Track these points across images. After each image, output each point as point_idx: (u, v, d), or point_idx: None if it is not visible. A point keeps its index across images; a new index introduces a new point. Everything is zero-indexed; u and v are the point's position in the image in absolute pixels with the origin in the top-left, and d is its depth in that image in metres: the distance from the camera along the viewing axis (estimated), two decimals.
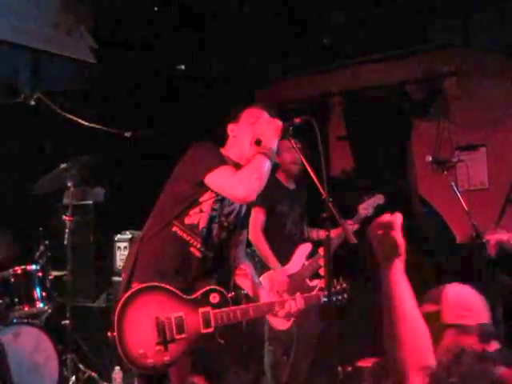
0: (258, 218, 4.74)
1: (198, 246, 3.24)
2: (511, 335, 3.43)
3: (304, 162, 3.18)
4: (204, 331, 3.11)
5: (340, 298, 3.50)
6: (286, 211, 4.89)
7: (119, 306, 3.03)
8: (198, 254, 3.25)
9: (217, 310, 3.15)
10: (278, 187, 4.94)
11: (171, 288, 3.09)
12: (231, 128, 3.38)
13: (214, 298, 3.17)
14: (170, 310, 3.07)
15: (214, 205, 3.23)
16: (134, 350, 2.99)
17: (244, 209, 3.45)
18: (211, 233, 3.28)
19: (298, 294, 3.42)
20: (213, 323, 3.13)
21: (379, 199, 4.98)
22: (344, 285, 3.53)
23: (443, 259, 6.17)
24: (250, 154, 3.24)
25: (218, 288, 3.21)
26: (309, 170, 3.16)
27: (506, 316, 4.56)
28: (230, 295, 3.26)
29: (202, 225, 3.23)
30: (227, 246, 3.43)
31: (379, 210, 4.98)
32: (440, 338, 2.22)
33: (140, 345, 3.00)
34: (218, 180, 3.14)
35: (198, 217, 3.21)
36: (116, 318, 3.02)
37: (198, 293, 3.17)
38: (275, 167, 5.03)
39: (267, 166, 3.12)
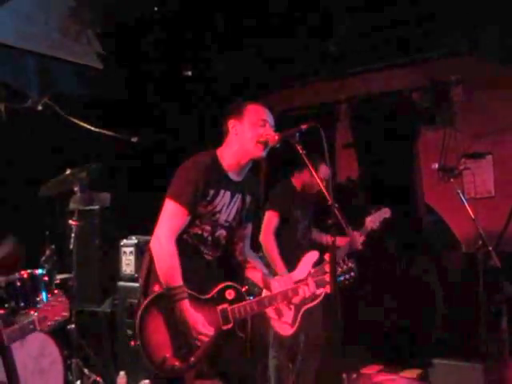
0: (271, 221, 4.75)
1: (207, 251, 3.31)
2: None
3: (310, 168, 3.18)
4: (224, 327, 3.18)
5: (348, 277, 3.47)
6: (299, 217, 4.90)
7: (139, 314, 3.09)
8: (209, 258, 3.33)
9: (234, 306, 3.22)
10: (292, 192, 4.96)
11: (187, 290, 3.12)
12: (232, 124, 3.33)
13: (230, 295, 3.25)
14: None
15: (213, 217, 3.27)
16: (158, 354, 3.05)
17: (247, 203, 3.45)
18: (217, 238, 3.33)
19: (309, 278, 3.45)
20: (231, 319, 3.20)
21: (386, 213, 5.00)
22: (350, 264, 3.50)
23: (448, 267, 6.16)
24: (254, 154, 3.26)
25: (231, 284, 3.27)
26: (315, 176, 3.17)
27: (510, 324, 4.56)
28: (243, 289, 3.32)
29: (206, 234, 3.29)
30: (232, 242, 3.48)
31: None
32: None
33: (164, 349, 3.06)
34: (163, 209, 3.20)
35: (200, 228, 3.27)
36: (137, 326, 3.08)
37: (214, 291, 3.24)
38: (291, 171, 5.06)
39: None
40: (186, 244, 3.24)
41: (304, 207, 4.97)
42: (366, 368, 5.77)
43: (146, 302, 3.12)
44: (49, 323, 3.20)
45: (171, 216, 3.17)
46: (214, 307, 3.20)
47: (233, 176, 3.33)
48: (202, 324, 3.07)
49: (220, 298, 3.23)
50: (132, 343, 3.17)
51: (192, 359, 3.10)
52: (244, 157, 3.29)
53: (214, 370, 3.32)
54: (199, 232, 3.26)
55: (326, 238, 5.15)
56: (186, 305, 3.06)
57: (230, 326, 3.19)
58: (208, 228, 3.28)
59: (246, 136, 3.26)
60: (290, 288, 3.39)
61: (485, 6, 5.49)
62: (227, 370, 3.34)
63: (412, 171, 6.63)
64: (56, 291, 3.44)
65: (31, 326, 3.12)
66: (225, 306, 3.21)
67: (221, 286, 3.26)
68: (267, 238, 4.70)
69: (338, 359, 3.26)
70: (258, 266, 3.55)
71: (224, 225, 3.33)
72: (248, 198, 3.45)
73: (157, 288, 3.15)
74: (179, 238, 3.21)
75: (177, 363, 3.06)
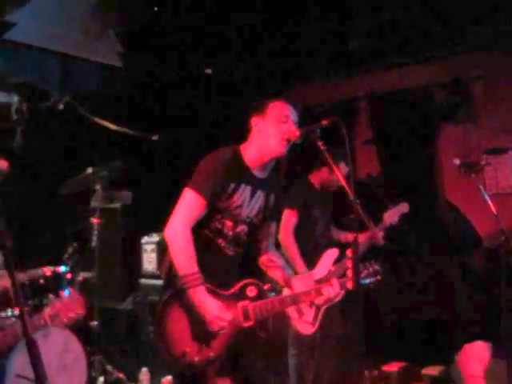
0: (290, 220, 4.74)
1: (228, 246, 3.31)
2: None
3: (331, 164, 3.18)
4: (244, 324, 3.17)
5: (373, 280, 3.44)
6: (318, 215, 4.89)
7: (159, 308, 3.12)
8: (230, 253, 3.32)
9: (255, 303, 3.20)
10: (310, 190, 4.96)
11: (208, 286, 3.12)
12: (256, 121, 3.33)
13: (251, 292, 3.23)
14: None
15: (234, 211, 3.27)
16: (178, 349, 3.06)
17: (271, 202, 3.44)
18: (238, 233, 3.33)
19: (333, 278, 3.40)
20: (252, 316, 3.18)
21: (404, 208, 4.98)
22: (376, 266, 3.46)
23: (471, 263, 6.13)
24: (276, 150, 3.26)
25: (254, 281, 3.26)
26: (336, 172, 3.17)
27: None
28: (266, 287, 3.30)
29: (227, 229, 3.29)
30: (256, 239, 3.48)
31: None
32: None
33: (184, 344, 3.07)
34: (181, 197, 3.20)
35: (221, 223, 3.27)
36: (157, 320, 3.11)
37: (236, 287, 3.23)
38: (310, 169, 5.06)
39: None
40: (207, 239, 3.25)
41: (323, 205, 4.96)
42: (387, 365, 5.74)
43: (166, 296, 3.13)
44: (64, 320, 3.21)
45: (188, 205, 3.17)
46: (234, 304, 3.19)
47: (256, 173, 3.32)
48: (218, 308, 3.05)
49: (241, 294, 3.23)
50: (152, 339, 3.18)
51: (211, 354, 3.09)
52: (266, 154, 3.29)
53: (235, 368, 3.32)
54: (219, 227, 3.26)
55: (345, 236, 5.14)
56: (201, 290, 3.05)
57: (250, 323, 3.18)
58: (229, 223, 3.27)
59: (269, 132, 3.26)
60: (313, 288, 3.37)
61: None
62: (247, 369, 3.35)
63: (433, 167, 6.59)
64: (70, 289, 3.47)
65: (42, 322, 3.14)
66: (246, 302, 3.20)
67: (243, 282, 3.25)
68: (286, 236, 4.70)
69: (360, 357, 3.25)
70: (282, 264, 3.55)
71: (245, 220, 3.33)
72: (272, 197, 3.44)
73: (179, 282, 3.16)
74: (200, 233, 3.22)
75: (196, 358, 3.06)
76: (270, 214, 3.47)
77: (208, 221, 3.24)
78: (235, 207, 3.26)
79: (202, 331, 3.09)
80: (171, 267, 3.23)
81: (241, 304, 3.19)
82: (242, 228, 3.33)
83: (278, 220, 3.97)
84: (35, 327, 3.14)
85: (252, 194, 3.32)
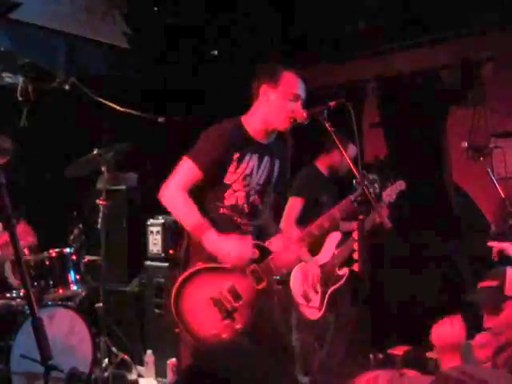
0: (293, 208, 4.73)
1: (245, 221, 3.29)
2: None
3: (339, 145, 3.15)
4: (259, 287, 3.16)
5: (372, 190, 3.28)
6: (325, 201, 4.88)
7: (172, 302, 3.10)
8: (248, 229, 3.31)
9: (262, 263, 3.18)
10: (318, 177, 4.94)
11: (212, 264, 3.12)
12: (265, 90, 3.29)
13: (254, 254, 3.18)
14: (220, 284, 3.12)
15: (244, 181, 3.25)
16: (203, 332, 3.06)
17: (276, 168, 3.42)
18: (252, 204, 3.31)
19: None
20: (264, 277, 3.16)
21: (401, 185, 4.95)
22: (370, 177, 3.32)
23: (478, 247, 6.09)
24: (279, 126, 3.26)
25: (253, 243, 3.21)
26: (344, 154, 3.15)
27: None
28: (267, 244, 3.28)
29: (241, 201, 3.28)
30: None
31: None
32: (499, 309, 2.77)
33: (209, 327, 3.06)
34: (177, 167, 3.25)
35: (234, 197, 3.26)
36: (175, 315, 3.10)
37: None
38: (317, 154, 5.03)
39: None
40: (225, 219, 3.23)
41: (330, 192, 4.94)
42: (392, 349, 5.73)
43: (174, 292, 3.11)
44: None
45: (183, 171, 3.21)
46: (243, 272, 3.15)
47: (260, 140, 3.32)
48: (236, 241, 3.06)
49: None
50: (176, 330, 3.14)
51: (238, 326, 3.08)
52: (270, 125, 3.29)
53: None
54: (234, 202, 3.25)
55: (348, 226, 5.12)
56: (214, 234, 3.06)
57: (264, 284, 3.16)
58: (242, 194, 3.26)
59: (277, 106, 3.24)
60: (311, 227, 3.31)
61: None
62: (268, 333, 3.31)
63: (441, 150, 6.54)
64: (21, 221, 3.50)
65: None
66: (253, 266, 3.17)
67: None
68: (288, 224, 4.68)
69: (365, 340, 3.24)
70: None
71: (256, 188, 3.31)
72: (277, 163, 3.42)
73: (199, 264, 3.15)
74: (217, 213, 3.22)
75: (225, 336, 3.04)
76: (276, 183, 3.45)
77: (222, 198, 3.24)
78: (245, 176, 3.25)
79: (222, 309, 3.08)
80: (189, 246, 3.26)
81: (249, 269, 3.16)
82: (255, 197, 3.32)
83: (283, 192, 3.90)
84: None
85: (260, 161, 3.32)
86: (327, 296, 4.63)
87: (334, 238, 4.77)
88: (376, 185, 3.33)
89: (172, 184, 3.20)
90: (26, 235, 3.37)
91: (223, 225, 3.19)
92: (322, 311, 4.57)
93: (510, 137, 5.89)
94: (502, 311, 2.79)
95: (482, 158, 4.79)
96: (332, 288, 4.65)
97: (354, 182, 3.19)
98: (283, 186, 3.60)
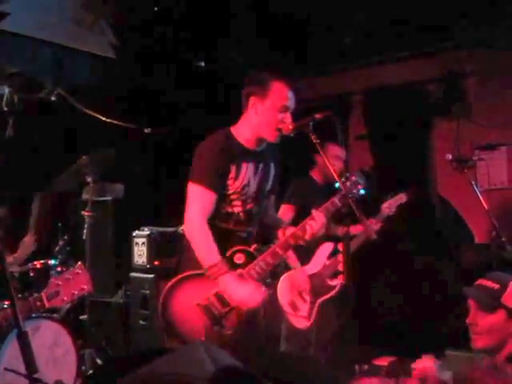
0: (285, 215, 4.73)
1: (240, 228, 3.31)
2: None
3: (324, 157, 3.17)
4: None
5: (355, 191, 3.32)
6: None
7: (160, 309, 3.11)
8: (243, 235, 3.32)
9: (248, 267, 3.17)
10: (312, 186, 4.95)
11: (198, 271, 3.12)
12: (254, 101, 3.27)
13: (239, 259, 3.19)
14: (206, 290, 3.11)
15: (242, 191, 3.27)
16: (193, 341, 2.99)
17: (271, 171, 3.44)
18: (248, 211, 3.33)
19: (313, 210, 3.35)
20: (249, 280, 3.14)
21: (402, 198, 4.99)
22: (353, 177, 3.34)
23: (462, 258, 6.13)
24: (267, 137, 3.27)
25: (237, 249, 3.22)
26: (329, 166, 3.17)
27: None
28: (252, 248, 3.26)
29: (238, 210, 3.28)
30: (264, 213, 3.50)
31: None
32: (489, 311, 2.82)
33: (197, 334, 3.04)
34: (188, 193, 3.21)
35: (231, 206, 3.27)
36: (162, 322, 3.11)
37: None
38: (310, 165, 5.05)
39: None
40: (221, 228, 3.24)
41: (324, 201, 4.95)
42: (377, 359, 5.73)
43: (161, 301, 3.12)
44: (65, 298, 2.99)
45: (197, 198, 3.17)
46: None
47: (252, 148, 3.32)
48: (252, 290, 3.06)
49: (230, 265, 3.16)
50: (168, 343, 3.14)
51: (228, 332, 3.08)
52: (260, 135, 3.29)
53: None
54: (230, 210, 3.26)
55: (342, 230, 5.13)
56: (229, 278, 3.05)
57: None
58: (239, 203, 3.27)
59: (266, 119, 3.24)
60: (298, 228, 3.29)
61: None
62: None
63: (426, 162, 6.58)
64: (79, 264, 3.24)
65: (38, 303, 2.94)
66: (238, 271, 3.16)
67: (229, 253, 3.20)
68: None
69: (351, 351, 3.25)
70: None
71: (253, 196, 3.32)
72: (272, 167, 3.44)
73: (187, 271, 3.16)
74: (211, 223, 3.20)
75: (215, 342, 2.98)
76: (271, 186, 3.47)
77: (219, 207, 3.24)
78: (243, 187, 3.26)
79: (210, 316, 3.08)
80: (180, 260, 3.32)
81: (235, 274, 3.15)
82: (251, 205, 3.33)
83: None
84: (30, 310, 2.95)
85: (256, 169, 3.33)
86: (316, 306, 4.62)
87: (327, 248, 4.77)
88: (359, 186, 3.33)
89: (193, 217, 3.16)
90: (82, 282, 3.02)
91: (219, 234, 3.19)
92: (310, 321, 4.56)
93: (493, 149, 5.94)
94: (491, 314, 2.83)
95: (466, 170, 4.82)
96: (322, 298, 4.65)
97: (337, 185, 3.22)
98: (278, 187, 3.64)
